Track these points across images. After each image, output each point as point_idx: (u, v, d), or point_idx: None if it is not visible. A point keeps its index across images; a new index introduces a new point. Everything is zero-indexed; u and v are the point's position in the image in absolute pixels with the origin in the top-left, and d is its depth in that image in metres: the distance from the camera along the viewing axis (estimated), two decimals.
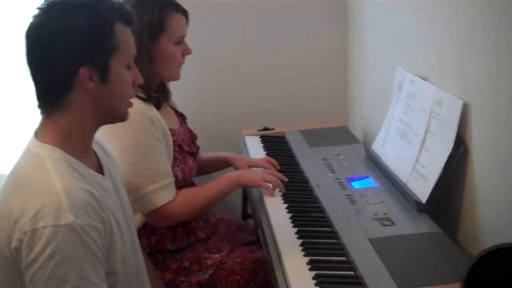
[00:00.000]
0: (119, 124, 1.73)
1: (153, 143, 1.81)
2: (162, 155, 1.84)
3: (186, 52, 1.95)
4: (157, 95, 1.93)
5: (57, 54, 1.25)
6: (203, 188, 1.96)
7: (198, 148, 2.11)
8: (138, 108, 1.80)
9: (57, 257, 1.18)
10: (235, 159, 2.20)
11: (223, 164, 2.25)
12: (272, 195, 1.91)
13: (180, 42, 1.92)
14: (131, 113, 1.74)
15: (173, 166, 1.90)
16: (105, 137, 1.78)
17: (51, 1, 1.27)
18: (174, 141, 1.92)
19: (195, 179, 2.11)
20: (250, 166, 2.14)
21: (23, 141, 1.37)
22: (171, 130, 1.92)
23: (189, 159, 1.98)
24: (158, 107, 1.91)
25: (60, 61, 1.26)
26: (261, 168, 2.09)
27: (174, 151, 1.92)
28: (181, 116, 2.13)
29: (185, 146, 1.97)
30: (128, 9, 1.35)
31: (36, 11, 1.27)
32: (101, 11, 1.28)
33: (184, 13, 1.93)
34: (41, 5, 1.27)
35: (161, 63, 1.90)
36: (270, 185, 1.93)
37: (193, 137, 2.10)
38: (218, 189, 1.93)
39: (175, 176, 1.90)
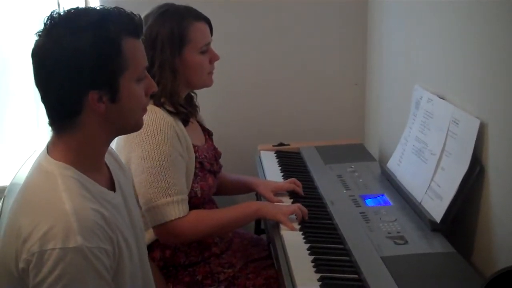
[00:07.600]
0: (144, 135, 1.76)
1: (175, 157, 1.80)
2: (181, 171, 1.82)
3: (213, 58, 1.93)
4: (185, 110, 1.92)
5: (64, 78, 1.22)
6: (220, 212, 1.92)
7: (220, 167, 2.08)
8: (167, 121, 1.80)
9: (64, 279, 1.16)
10: (259, 185, 2.11)
11: (246, 189, 2.19)
12: (292, 229, 1.79)
13: (205, 50, 1.90)
14: (158, 125, 1.77)
15: (193, 183, 1.88)
16: (130, 145, 1.80)
17: (56, 17, 1.23)
18: (196, 158, 1.90)
19: (216, 198, 2.09)
20: (274, 192, 2.05)
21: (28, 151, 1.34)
22: (195, 146, 1.91)
23: (210, 177, 1.96)
24: (185, 123, 1.90)
25: (67, 86, 1.22)
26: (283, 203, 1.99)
27: (195, 167, 1.90)
28: (208, 133, 2.11)
29: (206, 164, 1.95)
30: (136, 20, 1.29)
31: (40, 29, 1.23)
32: (107, 30, 1.22)
33: (206, 20, 1.92)
34: (45, 21, 1.23)
35: (189, 73, 1.89)
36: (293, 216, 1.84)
37: (217, 155, 2.07)
38: (235, 216, 1.87)
39: (194, 192, 1.89)
